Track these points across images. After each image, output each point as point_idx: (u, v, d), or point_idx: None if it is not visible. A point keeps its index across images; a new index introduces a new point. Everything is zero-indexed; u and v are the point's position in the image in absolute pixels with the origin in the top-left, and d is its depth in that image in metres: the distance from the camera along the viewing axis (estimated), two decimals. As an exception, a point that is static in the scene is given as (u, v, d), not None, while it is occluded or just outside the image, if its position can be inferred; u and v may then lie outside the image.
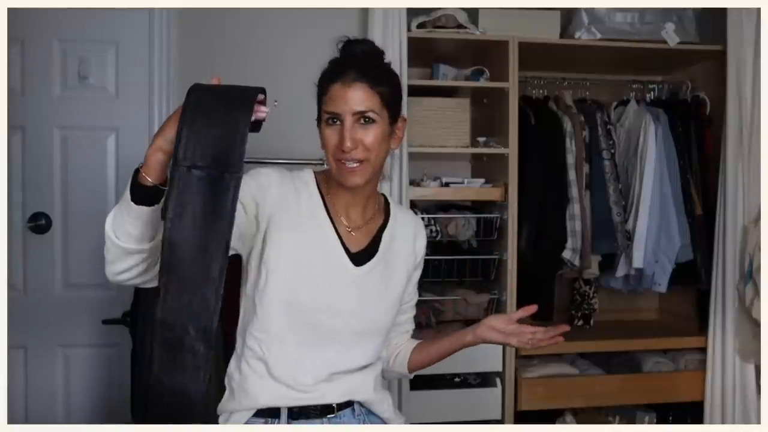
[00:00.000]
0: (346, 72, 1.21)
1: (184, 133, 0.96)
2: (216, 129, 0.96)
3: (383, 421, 1.34)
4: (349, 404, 1.29)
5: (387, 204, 1.40)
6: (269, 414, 1.25)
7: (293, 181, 1.28)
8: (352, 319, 1.26)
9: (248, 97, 0.99)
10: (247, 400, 1.25)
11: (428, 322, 2.29)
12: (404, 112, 2.11)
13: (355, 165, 1.21)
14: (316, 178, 1.32)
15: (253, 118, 0.99)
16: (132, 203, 1.05)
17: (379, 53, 1.30)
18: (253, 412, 1.26)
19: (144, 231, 1.07)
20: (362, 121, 1.21)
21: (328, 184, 1.31)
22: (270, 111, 1.06)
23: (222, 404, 1.31)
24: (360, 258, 1.29)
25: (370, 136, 1.21)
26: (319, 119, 1.27)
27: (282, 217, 1.23)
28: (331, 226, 1.28)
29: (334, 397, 1.26)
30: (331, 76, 1.23)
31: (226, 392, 1.31)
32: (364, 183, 1.24)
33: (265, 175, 1.25)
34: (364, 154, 1.21)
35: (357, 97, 1.20)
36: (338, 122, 1.21)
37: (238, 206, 1.13)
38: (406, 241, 1.37)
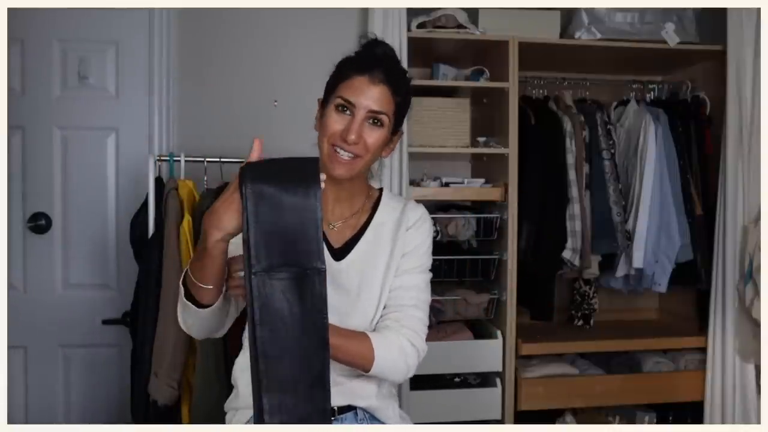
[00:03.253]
0: (375, 69, 1.22)
1: (251, 231, 0.88)
2: (286, 219, 0.89)
3: None
4: (351, 408, 1.27)
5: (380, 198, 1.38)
6: None
7: None
8: (339, 316, 1.22)
9: (309, 173, 0.92)
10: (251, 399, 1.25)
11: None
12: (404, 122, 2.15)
13: (348, 158, 1.21)
14: None
15: None
16: (199, 309, 1.08)
17: (402, 66, 1.32)
18: None
19: (221, 318, 1.13)
20: (372, 121, 1.22)
21: None
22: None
23: (229, 402, 1.31)
24: (341, 253, 1.28)
25: (373, 137, 1.22)
26: (325, 102, 1.26)
27: None
28: None
29: (334, 401, 1.24)
30: (359, 66, 1.23)
31: (234, 390, 1.31)
32: (349, 178, 1.24)
33: None
34: (361, 152, 1.22)
35: (378, 96, 1.21)
36: (348, 112, 1.21)
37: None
38: (391, 228, 1.32)
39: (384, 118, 1.22)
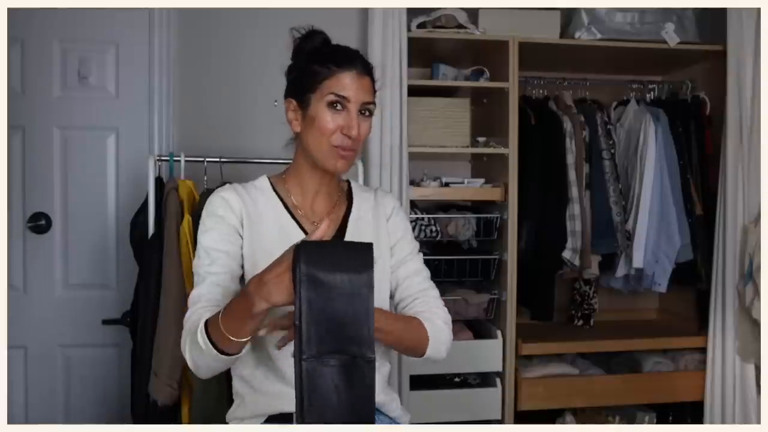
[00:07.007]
0: (355, 62, 1.25)
1: (304, 318, 0.89)
2: (338, 306, 0.90)
3: (392, 421, 1.33)
4: None
5: (351, 189, 1.41)
6: (281, 420, 1.23)
7: (248, 193, 1.31)
8: None
9: (363, 259, 0.93)
10: (259, 407, 1.25)
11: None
12: (404, 111, 2.15)
13: (349, 151, 1.25)
14: (271, 181, 1.36)
15: None
16: (223, 356, 1.09)
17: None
18: (263, 418, 1.25)
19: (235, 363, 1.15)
20: (364, 112, 1.26)
21: (289, 181, 1.34)
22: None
23: (232, 412, 1.31)
24: None
25: (365, 127, 1.27)
26: (304, 102, 1.26)
27: (248, 233, 1.27)
28: (295, 223, 1.30)
29: None
30: (339, 61, 1.24)
31: (237, 400, 1.30)
32: (346, 170, 1.29)
33: (225, 199, 1.28)
34: (357, 143, 1.26)
35: (366, 88, 1.26)
36: (341, 108, 1.24)
37: (236, 236, 1.22)
38: (369, 221, 1.36)
39: (373, 107, 1.27)
